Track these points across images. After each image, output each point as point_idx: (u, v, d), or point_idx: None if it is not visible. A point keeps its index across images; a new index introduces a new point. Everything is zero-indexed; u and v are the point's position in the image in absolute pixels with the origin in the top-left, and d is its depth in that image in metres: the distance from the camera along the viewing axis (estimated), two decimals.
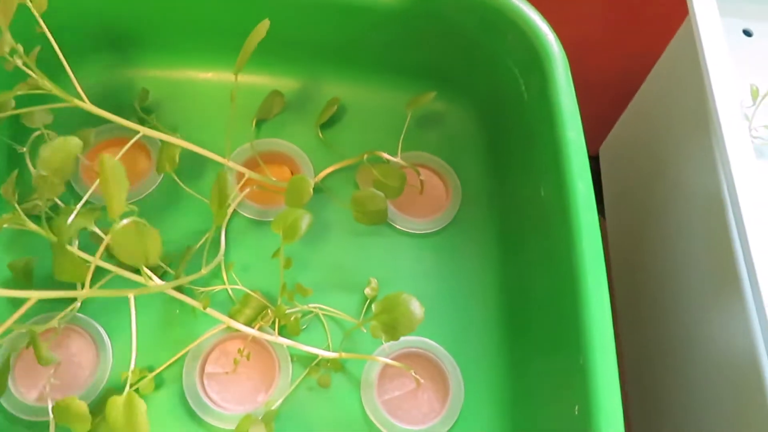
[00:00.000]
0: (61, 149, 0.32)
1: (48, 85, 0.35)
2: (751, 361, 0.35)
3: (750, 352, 0.35)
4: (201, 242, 0.40)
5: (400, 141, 0.43)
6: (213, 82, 0.48)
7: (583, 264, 0.33)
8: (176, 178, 0.41)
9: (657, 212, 0.53)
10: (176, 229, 0.42)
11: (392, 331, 0.34)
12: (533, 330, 0.39)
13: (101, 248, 0.31)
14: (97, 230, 0.36)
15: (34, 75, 0.34)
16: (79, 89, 0.36)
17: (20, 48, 0.34)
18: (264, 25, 0.36)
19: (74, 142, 0.32)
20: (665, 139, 0.52)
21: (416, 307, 0.34)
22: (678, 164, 0.50)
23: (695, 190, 0.47)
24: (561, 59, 0.39)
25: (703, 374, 0.41)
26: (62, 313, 0.37)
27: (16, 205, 0.34)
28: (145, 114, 0.45)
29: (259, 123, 0.46)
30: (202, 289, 0.39)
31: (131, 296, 0.34)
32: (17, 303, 0.38)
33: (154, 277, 0.35)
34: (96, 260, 0.31)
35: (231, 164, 0.41)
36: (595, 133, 0.55)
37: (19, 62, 0.33)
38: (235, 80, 0.37)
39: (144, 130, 0.38)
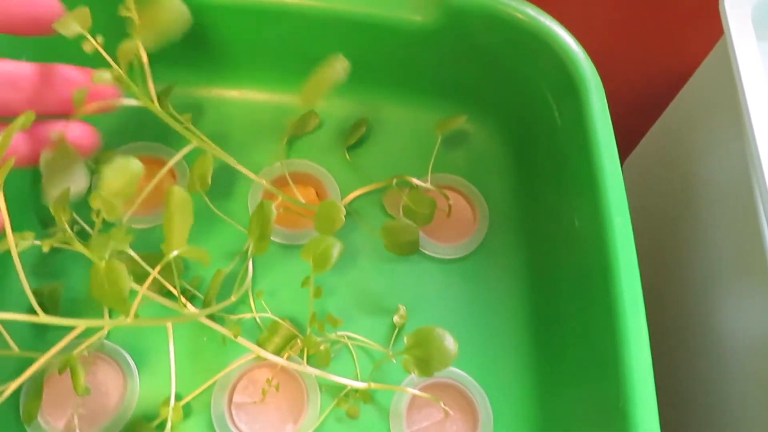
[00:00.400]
0: (123, 172, 0.31)
1: (125, 78, 0.32)
2: None
3: None
4: (230, 267, 0.39)
5: (430, 165, 0.43)
6: (238, 100, 0.47)
7: (623, 305, 0.32)
8: (206, 199, 0.40)
9: (683, 233, 0.53)
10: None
11: (425, 366, 0.34)
12: (566, 362, 0.38)
13: (149, 279, 0.30)
14: (133, 254, 0.36)
15: (113, 64, 0.32)
16: (152, 91, 0.35)
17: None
18: (342, 63, 0.35)
19: (136, 164, 0.31)
20: (695, 158, 0.51)
21: (450, 343, 0.34)
22: (708, 186, 0.49)
23: (725, 215, 0.46)
24: (596, 86, 0.38)
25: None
26: (90, 340, 0.36)
27: (66, 225, 0.33)
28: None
29: (288, 142, 0.46)
30: (233, 316, 0.39)
31: (169, 326, 0.33)
32: (40, 328, 0.38)
33: (189, 305, 0.35)
34: (143, 290, 0.30)
35: (266, 184, 0.40)
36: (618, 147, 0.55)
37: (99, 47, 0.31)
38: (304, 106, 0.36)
39: (197, 141, 0.37)
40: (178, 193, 0.28)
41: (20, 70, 0.31)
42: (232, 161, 0.39)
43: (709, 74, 0.49)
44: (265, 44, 0.44)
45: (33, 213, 0.40)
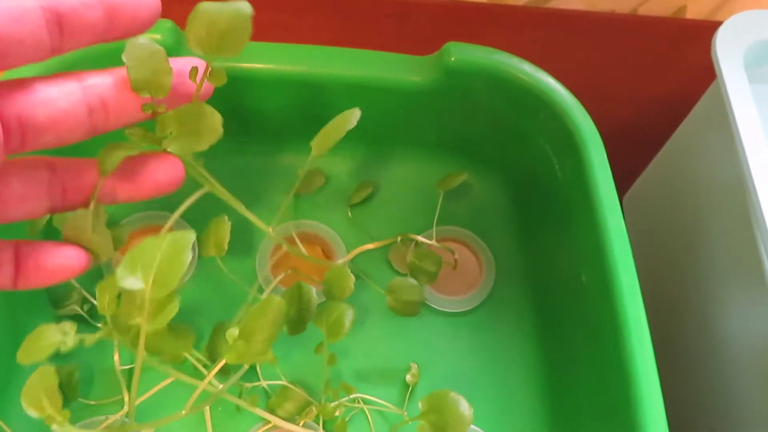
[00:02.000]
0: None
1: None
2: None
3: None
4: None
5: (435, 221, 0.43)
6: (244, 158, 0.47)
7: (633, 361, 0.32)
8: (221, 263, 0.40)
9: (684, 269, 0.53)
10: (211, 314, 0.42)
11: None
12: (579, 410, 0.39)
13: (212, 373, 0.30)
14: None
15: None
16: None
17: None
18: (354, 114, 0.36)
19: (188, 236, 0.26)
20: (695, 194, 0.52)
21: (465, 409, 0.34)
22: (709, 222, 0.49)
23: (727, 251, 0.47)
24: (595, 143, 0.39)
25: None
26: (112, 419, 0.36)
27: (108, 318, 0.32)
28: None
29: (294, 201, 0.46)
30: (247, 384, 0.39)
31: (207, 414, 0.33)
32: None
33: (214, 381, 0.35)
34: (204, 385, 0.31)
35: (283, 240, 0.40)
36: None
37: None
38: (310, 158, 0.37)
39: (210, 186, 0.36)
40: (277, 303, 0.27)
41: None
42: (247, 213, 0.39)
43: (704, 114, 0.50)
44: (272, 107, 0.45)
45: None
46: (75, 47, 0.22)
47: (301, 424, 0.37)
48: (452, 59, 0.40)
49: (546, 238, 0.44)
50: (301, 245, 0.44)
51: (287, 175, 0.46)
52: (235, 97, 0.43)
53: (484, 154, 0.46)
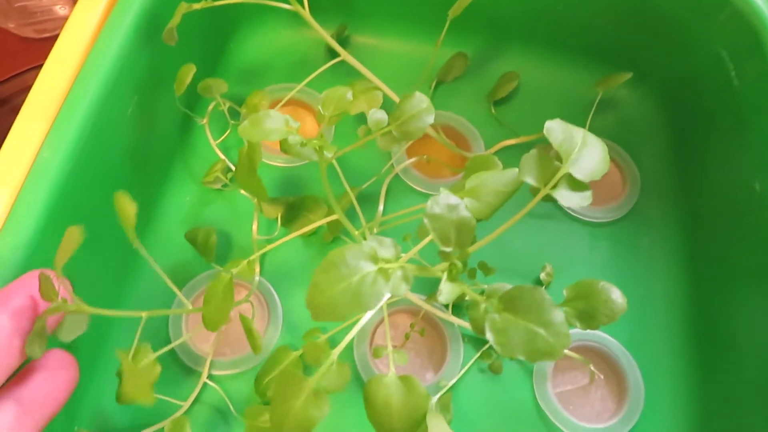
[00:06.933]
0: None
1: None
2: None
3: None
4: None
5: (587, 124, 0.41)
6: (377, 48, 0.46)
7: None
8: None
9: None
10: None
11: (589, 319, 0.32)
12: (736, 347, 0.35)
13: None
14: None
15: None
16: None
17: None
18: None
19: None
20: None
21: (618, 296, 0.32)
22: None
23: None
24: None
25: None
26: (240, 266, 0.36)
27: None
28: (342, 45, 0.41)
29: (436, 85, 0.45)
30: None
31: None
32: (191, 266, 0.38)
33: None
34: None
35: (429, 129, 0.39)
36: None
37: None
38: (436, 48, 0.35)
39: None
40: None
41: None
42: (380, 83, 0.38)
43: None
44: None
45: None
46: None
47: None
48: None
49: (707, 150, 0.40)
50: (441, 132, 0.42)
51: (418, 66, 0.44)
52: None
53: (640, 62, 0.43)
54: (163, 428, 0.32)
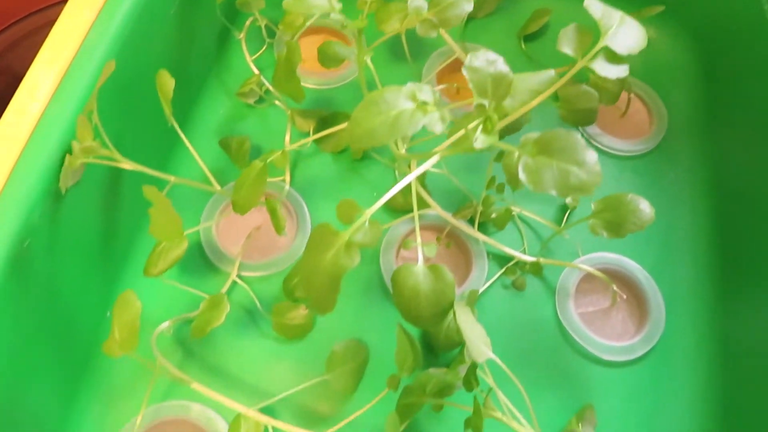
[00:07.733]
0: None
1: None
2: None
3: None
4: None
5: None
6: None
7: None
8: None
9: None
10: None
11: (617, 228, 0.32)
12: (757, 271, 0.35)
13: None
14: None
15: None
16: None
17: None
18: None
19: None
20: None
21: (646, 207, 0.32)
22: None
23: None
24: None
25: None
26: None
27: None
28: None
29: (467, 21, 0.45)
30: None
31: None
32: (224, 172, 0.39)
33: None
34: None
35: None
36: None
37: None
38: None
39: None
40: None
41: None
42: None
43: None
44: None
45: None
46: None
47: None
48: None
49: (737, 88, 0.41)
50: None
51: None
52: None
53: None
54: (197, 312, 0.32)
